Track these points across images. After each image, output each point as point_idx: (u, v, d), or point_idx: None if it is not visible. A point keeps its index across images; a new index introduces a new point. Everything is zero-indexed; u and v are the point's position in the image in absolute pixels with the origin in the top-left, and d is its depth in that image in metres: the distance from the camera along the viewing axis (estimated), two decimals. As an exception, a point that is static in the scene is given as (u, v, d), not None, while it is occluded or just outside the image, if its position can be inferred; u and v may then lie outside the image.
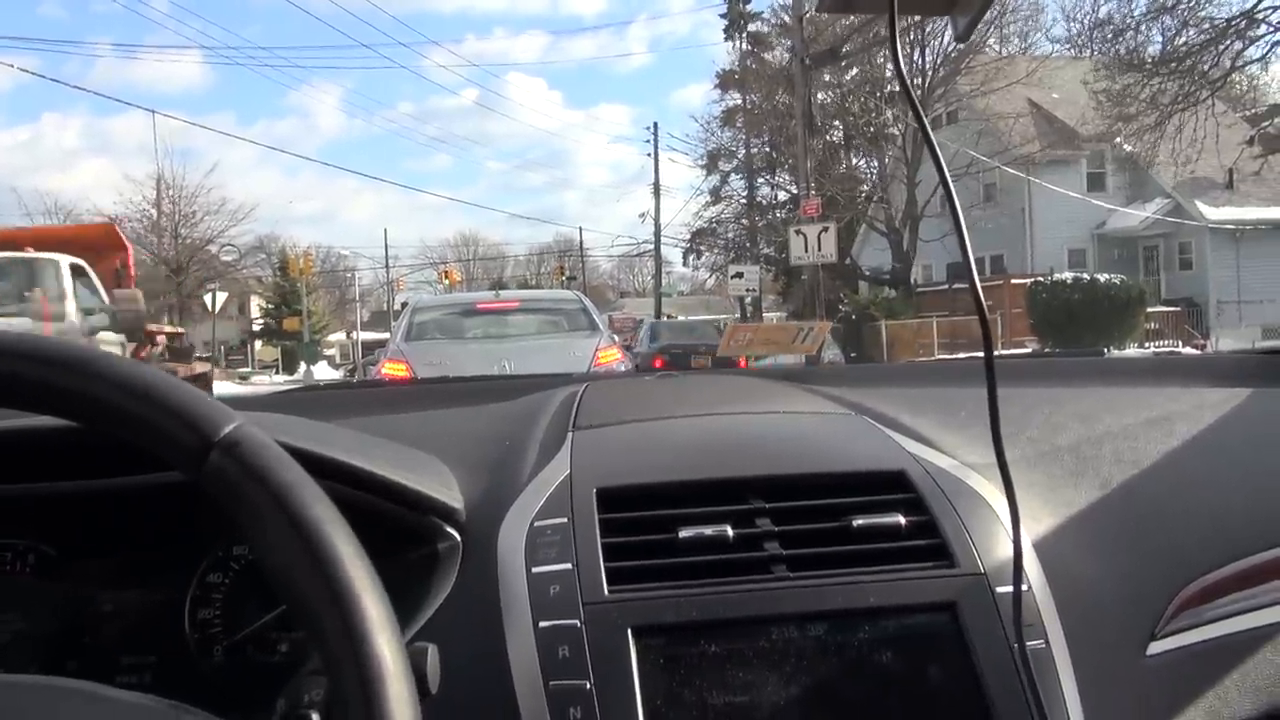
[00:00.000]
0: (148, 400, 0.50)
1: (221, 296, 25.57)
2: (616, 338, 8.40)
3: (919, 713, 0.68)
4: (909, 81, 0.69)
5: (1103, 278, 17.31)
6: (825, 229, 15.61)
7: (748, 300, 25.18)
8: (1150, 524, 0.86)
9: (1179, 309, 20.91)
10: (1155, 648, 0.78)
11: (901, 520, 0.76)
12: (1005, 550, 0.74)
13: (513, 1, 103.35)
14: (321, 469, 0.64)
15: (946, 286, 23.08)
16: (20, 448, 0.76)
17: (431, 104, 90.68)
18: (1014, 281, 20.46)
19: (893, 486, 0.81)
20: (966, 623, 0.70)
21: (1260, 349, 1.45)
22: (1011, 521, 0.69)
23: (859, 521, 0.76)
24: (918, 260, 24.90)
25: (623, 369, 6.91)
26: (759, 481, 0.81)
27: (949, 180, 0.68)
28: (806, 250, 14.96)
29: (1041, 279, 18.15)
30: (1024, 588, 0.71)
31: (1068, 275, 17.80)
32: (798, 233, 15.26)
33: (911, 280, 24.48)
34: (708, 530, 0.75)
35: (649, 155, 35.08)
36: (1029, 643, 0.69)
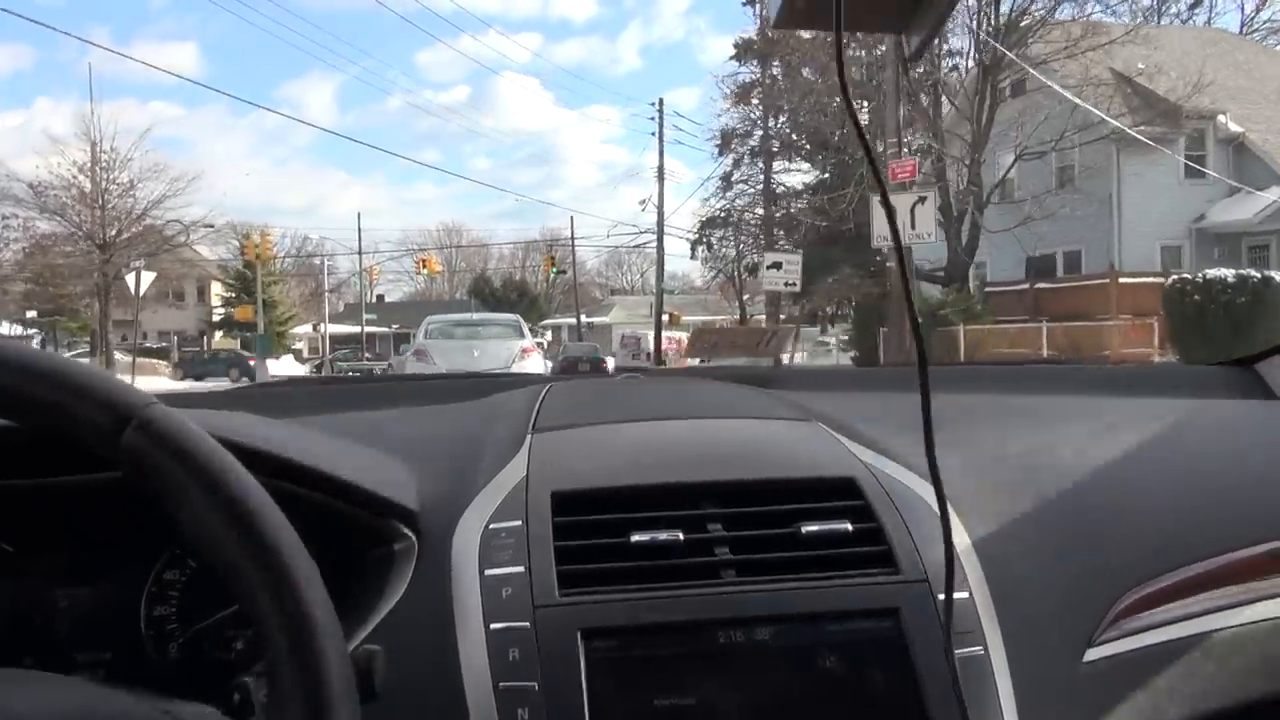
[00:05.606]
0: (58, 385, 0.50)
1: (148, 277, 21.02)
2: (541, 343, 13.70)
3: (859, 716, 0.69)
4: (850, 93, 0.71)
5: (1277, 276, 13.36)
6: (922, 199, 11.73)
7: (756, 298, 21.12)
8: (1091, 532, 0.87)
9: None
10: (1092, 654, 0.78)
11: (849, 527, 0.77)
12: None
13: (508, 2, 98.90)
14: (262, 465, 0.62)
15: (1027, 285, 19.18)
16: None
17: (424, 99, 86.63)
18: (1123, 281, 16.57)
19: (842, 493, 0.81)
20: (908, 628, 0.71)
21: (1223, 361, 1.39)
22: (943, 527, 0.69)
23: (808, 528, 0.77)
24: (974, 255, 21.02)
25: (535, 359, 13.19)
26: (712, 487, 0.81)
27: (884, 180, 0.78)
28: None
29: (1189, 277, 14.21)
30: (964, 594, 0.72)
31: (1226, 273, 13.82)
32: (883, 204, 11.45)
33: (969, 278, 20.61)
34: (660, 535, 0.75)
35: (652, 135, 31.15)
36: (967, 649, 0.70)
